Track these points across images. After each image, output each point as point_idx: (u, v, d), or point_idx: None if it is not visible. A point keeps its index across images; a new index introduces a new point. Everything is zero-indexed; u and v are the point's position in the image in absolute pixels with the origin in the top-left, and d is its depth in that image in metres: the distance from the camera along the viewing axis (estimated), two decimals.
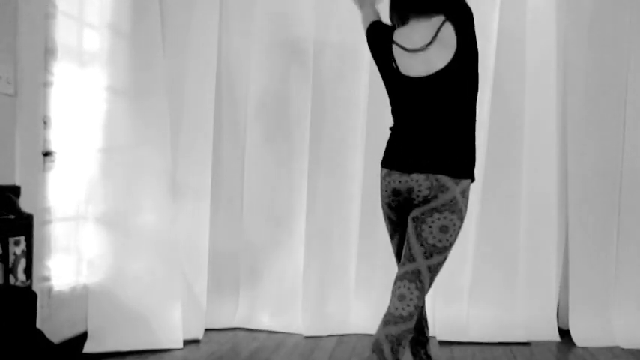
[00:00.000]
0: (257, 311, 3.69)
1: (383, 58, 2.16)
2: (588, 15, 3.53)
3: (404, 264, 2.10)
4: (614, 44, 3.54)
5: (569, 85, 3.56)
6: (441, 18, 2.08)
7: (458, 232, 2.07)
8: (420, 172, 2.03)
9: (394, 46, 2.12)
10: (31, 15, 2.64)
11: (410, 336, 2.04)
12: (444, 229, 2.02)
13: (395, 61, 2.11)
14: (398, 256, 2.29)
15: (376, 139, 3.57)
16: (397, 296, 2.06)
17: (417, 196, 2.05)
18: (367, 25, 2.32)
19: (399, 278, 2.10)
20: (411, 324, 2.04)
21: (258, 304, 3.71)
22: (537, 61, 3.58)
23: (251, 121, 3.70)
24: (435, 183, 2.02)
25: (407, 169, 2.06)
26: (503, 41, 3.52)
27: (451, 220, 2.03)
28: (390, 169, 2.12)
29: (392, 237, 2.28)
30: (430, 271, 2.06)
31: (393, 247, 2.31)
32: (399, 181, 2.08)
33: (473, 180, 2.13)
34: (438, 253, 2.04)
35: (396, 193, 2.10)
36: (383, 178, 2.16)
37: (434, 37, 2.05)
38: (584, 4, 3.53)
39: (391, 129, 2.21)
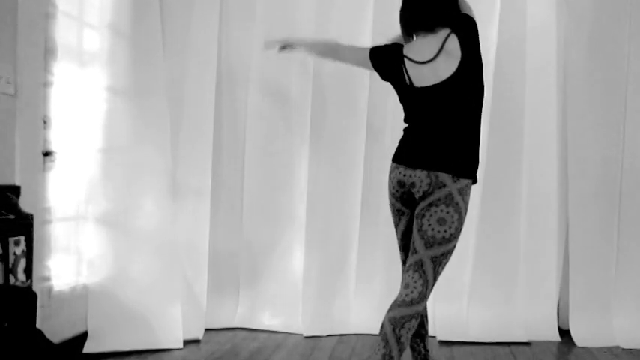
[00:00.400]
0: (257, 311, 3.69)
1: (395, 76, 2.34)
2: (588, 15, 3.53)
3: (409, 258, 2.28)
4: (614, 44, 3.54)
5: (569, 85, 3.56)
6: (446, 31, 2.26)
7: (457, 227, 2.22)
8: (423, 168, 2.23)
9: (406, 60, 2.28)
10: (31, 15, 2.64)
11: (415, 322, 2.20)
12: (441, 221, 2.20)
13: (408, 74, 2.28)
14: (401, 246, 2.43)
15: (377, 140, 3.60)
16: (403, 285, 2.26)
17: (418, 191, 2.25)
18: (367, 55, 2.43)
19: (405, 270, 2.31)
20: (414, 309, 2.19)
21: (258, 304, 3.71)
22: (537, 61, 3.59)
23: (251, 121, 3.70)
24: (434, 179, 2.21)
25: (412, 165, 2.26)
26: (503, 41, 3.52)
27: (447, 212, 2.20)
28: (399, 164, 2.32)
29: (396, 226, 2.44)
30: (432, 262, 2.22)
31: (397, 236, 2.45)
32: (404, 174, 2.28)
33: (474, 181, 2.29)
34: (437, 244, 2.20)
35: (400, 184, 2.30)
36: (392, 171, 2.36)
37: (440, 49, 2.24)
38: (584, 5, 3.54)
39: (404, 130, 2.37)
